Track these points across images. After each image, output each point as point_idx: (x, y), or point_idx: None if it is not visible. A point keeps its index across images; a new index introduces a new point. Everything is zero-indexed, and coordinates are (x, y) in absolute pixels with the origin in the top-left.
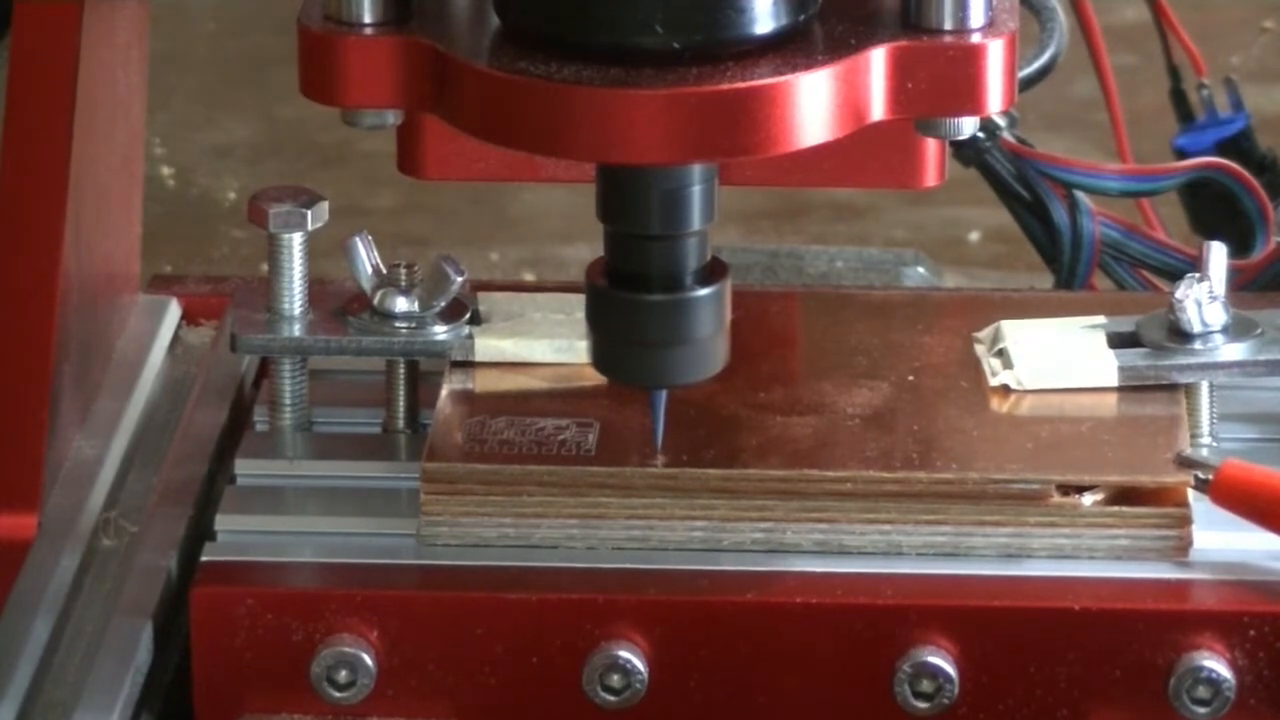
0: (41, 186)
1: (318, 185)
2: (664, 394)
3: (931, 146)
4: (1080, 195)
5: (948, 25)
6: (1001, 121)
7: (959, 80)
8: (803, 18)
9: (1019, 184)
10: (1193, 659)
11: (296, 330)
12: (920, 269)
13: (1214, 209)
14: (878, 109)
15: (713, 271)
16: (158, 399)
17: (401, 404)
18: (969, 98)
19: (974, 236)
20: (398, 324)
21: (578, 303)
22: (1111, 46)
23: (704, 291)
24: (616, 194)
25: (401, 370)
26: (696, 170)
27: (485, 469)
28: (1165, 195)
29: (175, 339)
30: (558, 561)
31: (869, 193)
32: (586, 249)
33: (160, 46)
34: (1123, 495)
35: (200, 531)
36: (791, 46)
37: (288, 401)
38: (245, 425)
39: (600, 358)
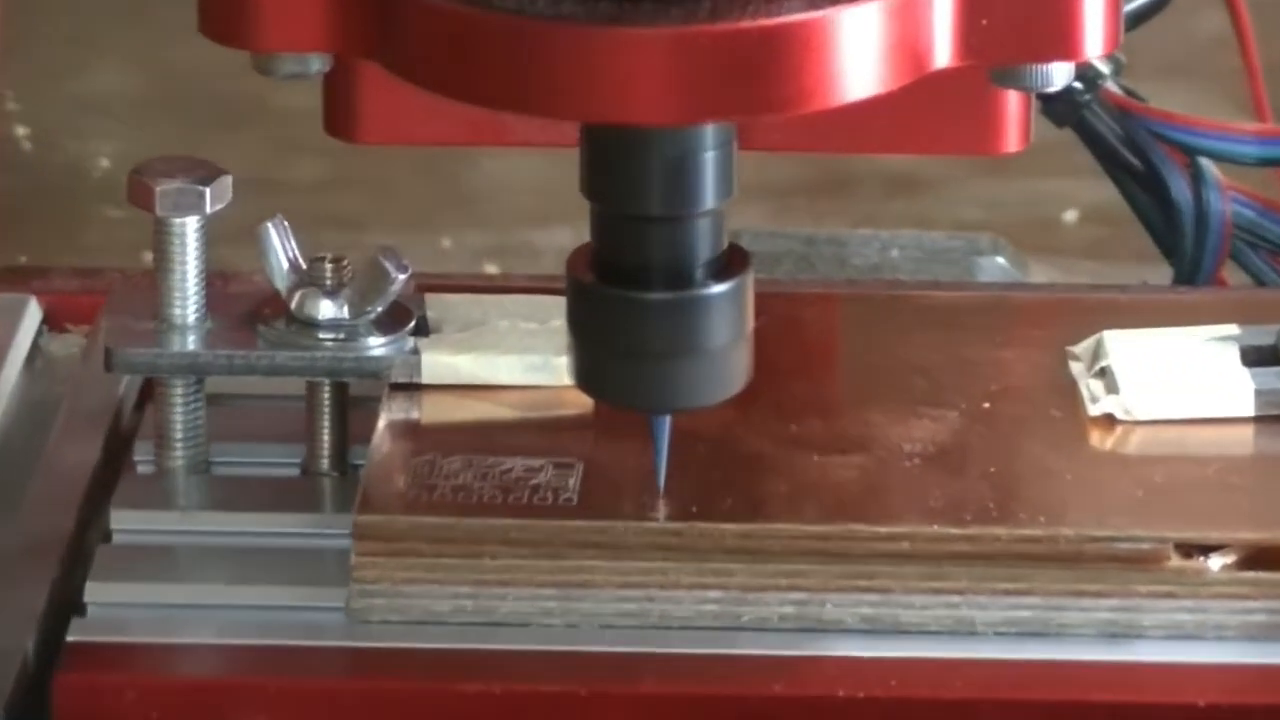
0: None
1: (219, 153)
2: (667, 422)
3: (1013, 102)
4: (1205, 164)
5: None
6: (1104, 69)
7: (1047, 16)
8: None
9: (1127, 149)
10: None
11: (190, 342)
12: (999, 259)
13: None
14: (943, 54)
15: (730, 263)
16: (11, 427)
17: (326, 438)
18: (1060, 39)
19: (1069, 217)
20: (322, 335)
21: (555, 306)
22: None
23: (719, 289)
24: (607, 163)
25: (326, 395)
26: (709, 132)
27: (435, 523)
28: None
29: (34, 349)
30: (530, 644)
31: (933, 161)
32: (568, 233)
33: None
34: (1259, 557)
35: (66, 602)
36: None
37: (179, 434)
38: (124, 464)
39: (585, 375)
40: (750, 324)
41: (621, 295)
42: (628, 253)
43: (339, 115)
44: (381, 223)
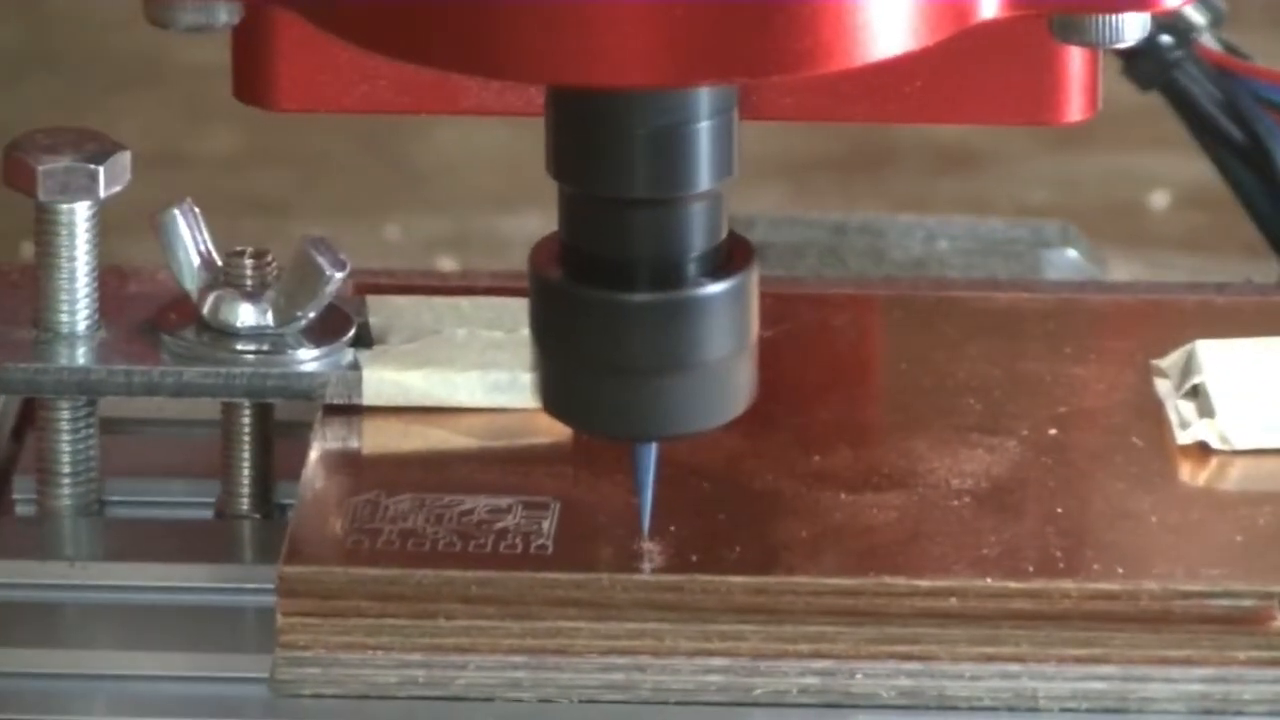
0: None
1: (112, 122)
2: (653, 452)
3: (1076, 60)
4: None
5: None
6: (1198, 19)
7: None
8: None
9: (1227, 117)
10: None
11: (80, 355)
12: (1071, 253)
13: None
14: (990, 2)
15: (731, 257)
16: None
17: (246, 473)
18: None
19: (1157, 201)
20: (241, 346)
21: (524, 311)
22: None
23: (716, 288)
24: (579, 135)
25: (246, 420)
26: (704, 97)
27: (379, 576)
28: None
29: None
30: None
31: (990, 132)
32: (540, 219)
33: None
34: None
35: None
36: None
37: (66, 468)
38: None
39: (553, 395)
40: (754, 332)
41: (597, 296)
42: (604, 244)
43: (252, 77)
44: (312, 207)
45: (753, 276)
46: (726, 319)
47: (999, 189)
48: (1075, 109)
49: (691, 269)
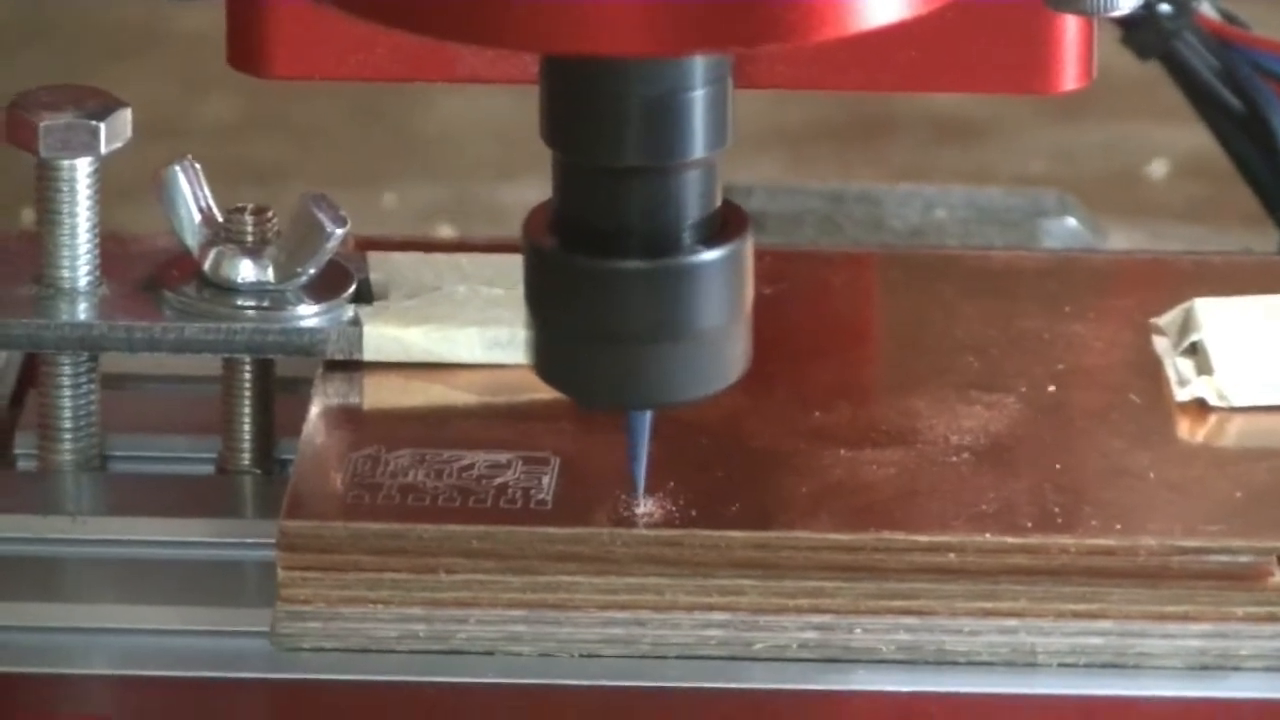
0: None
1: (113, 84)
2: (648, 420)
3: (1072, 29)
4: None
5: None
6: None
7: None
8: None
9: (1226, 87)
10: None
11: (81, 311)
12: (1069, 221)
13: None
14: None
15: (725, 225)
16: None
17: (246, 428)
18: None
19: (1156, 170)
20: (241, 302)
21: (521, 270)
22: None
23: (710, 256)
24: (573, 104)
25: (247, 376)
26: (697, 66)
27: (380, 530)
28: None
29: None
30: (494, 676)
31: (988, 101)
32: (539, 188)
33: None
34: None
35: None
36: None
37: (68, 423)
38: (1, 459)
39: (546, 363)
40: (749, 300)
41: (589, 264)
42: (597, 212)
43: (247, 45)
44: (309, 176)
45: (747, 245)
46: (720, 287)
47: (997, 159)
48: (1069, 78)
49: (686, 237)
